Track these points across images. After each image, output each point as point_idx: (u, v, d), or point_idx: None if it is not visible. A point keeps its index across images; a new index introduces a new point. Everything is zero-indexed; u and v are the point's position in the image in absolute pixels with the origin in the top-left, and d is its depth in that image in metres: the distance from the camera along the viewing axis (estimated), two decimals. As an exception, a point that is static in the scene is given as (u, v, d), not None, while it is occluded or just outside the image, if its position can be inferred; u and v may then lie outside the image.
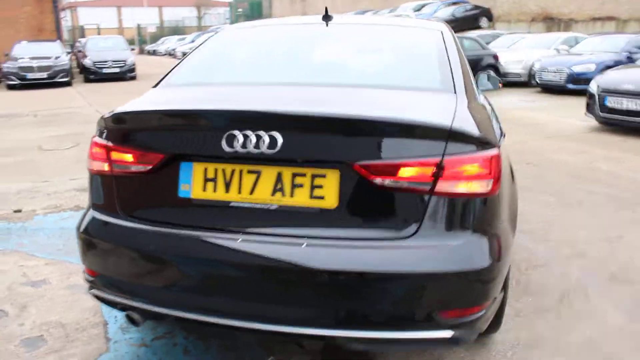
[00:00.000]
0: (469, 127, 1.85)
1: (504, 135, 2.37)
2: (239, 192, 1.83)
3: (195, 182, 1.88)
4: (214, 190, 1.86)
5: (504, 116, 9.83)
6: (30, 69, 15.50)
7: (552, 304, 2.90)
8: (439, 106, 2.00)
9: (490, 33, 18.01)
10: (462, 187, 1.79)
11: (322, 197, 1.79)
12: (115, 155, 1.99)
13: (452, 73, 2.27)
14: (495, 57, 12.89)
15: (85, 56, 17.78)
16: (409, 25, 2.87)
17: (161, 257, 1.88)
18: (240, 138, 1.78)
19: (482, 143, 1.84)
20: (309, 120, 1.82)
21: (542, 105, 10.67)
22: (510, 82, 12.93)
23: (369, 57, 2.64)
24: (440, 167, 1.75)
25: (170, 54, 34.41)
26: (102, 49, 18.30)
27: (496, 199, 1.90)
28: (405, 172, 1.75)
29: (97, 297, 2.09)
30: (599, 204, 4.54)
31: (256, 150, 1.77)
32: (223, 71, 2.56)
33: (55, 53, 16.51)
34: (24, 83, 15.48)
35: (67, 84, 16.15)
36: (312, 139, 1.80)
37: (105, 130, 2.04)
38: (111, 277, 2.00)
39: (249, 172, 1.83)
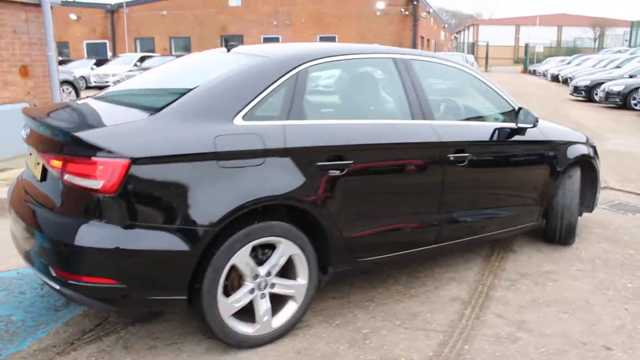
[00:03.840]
0: (92, 136, 2.31)
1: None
2: (34, 165, 2.78)
3: (30, 157, 2.91)
4: (32, 163, 2.84)
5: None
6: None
7: None
8: (110, 120, 2.50)
9: None
10: (78, 181, 2.29)
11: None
12: None
13: (188, 96, 2.56)
14: None
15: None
16: (253, 54, 2.98)
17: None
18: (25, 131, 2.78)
19: (99, 150, 2.25)
20: (36, 123, 2.63)
21: None
22: None
23: (179, 81, 3.03)
24: (65, 163, 2.31)
25: (544, 74, 32.91)
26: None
27: (113, 196, 2.26)
28: (52, 163, 2.39)
29: None
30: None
31: (24, 139, 2.72)
32: (116, 89, 3.34)
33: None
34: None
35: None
36: (38, 134, 2.61)
37: None
38: None
39: (38, 153, 2.75)
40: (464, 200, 3.42)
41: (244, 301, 2.61)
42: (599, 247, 4.21)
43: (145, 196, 2.34)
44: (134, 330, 2.86)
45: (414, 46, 24.57)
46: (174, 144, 2.40)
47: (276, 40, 27.87)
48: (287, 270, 2.76)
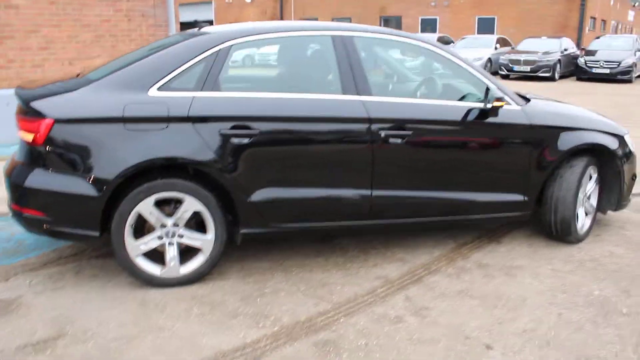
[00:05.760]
0: (35, 103, 2.86)
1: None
2: None
3: None
4: None
5: None
6: (517, 62, 17.13)
7: None
8: (60, 89, 3.00)
9: None
10: (23, 135, 2.92)
11: None
12: None
13: (121, 70, 2.99)
14: None
15: (584, 55, 17.61)
16: (193, 33, 3.24)
17: None
18: None
19: (35, 112, 2.83)
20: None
21: None
22: None
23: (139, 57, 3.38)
24: (19, 121, 2.92)
25: None
26: (607, 48, 17.50)
27: (40, 147, 2.83)
28: (17, 121, 3.01)
29: None
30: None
31: None
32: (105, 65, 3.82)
33: (551, 49, 17.33)
34: (511, 74, 17.36)
35: (550, 79, 16.82)
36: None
37: None
38: None
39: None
40: (408, 178, 3.32)
41: (151, 245, 3.01)
42: (606, 250, 3.68)
43: (64, 148, 2.86)
44: (93, 262, 3.45)
45: (581, 28, 21.83)
46: (91, 109, 2.87)
47: (434, 21, 27.16)
48: (202, 225, 3.09)
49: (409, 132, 3.20)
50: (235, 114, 2.98)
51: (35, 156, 2.92)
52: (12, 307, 2.91)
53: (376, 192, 3.26)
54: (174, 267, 3.06)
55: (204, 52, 3.04)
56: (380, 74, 3.54)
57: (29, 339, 2.60)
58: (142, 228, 3.05)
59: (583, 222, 3.81)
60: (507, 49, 19.61)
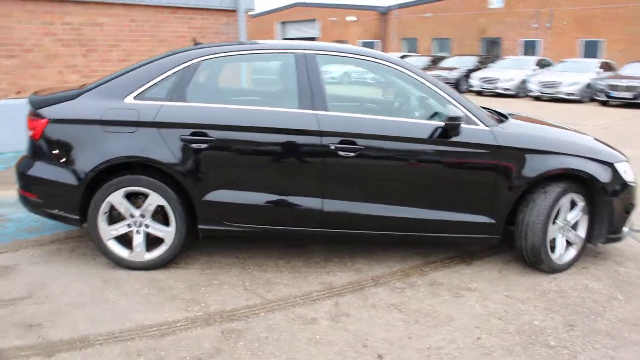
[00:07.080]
0: (39, 106, 3.39)
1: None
2: None
3: None
4: None
5: None
6: (616, 88, 15.83)
7: None
8: (63, 96, 3.48)
9: None
10: (29, 133, 3.46)
11: None
12: None
13: (111, 80, 3.44)
14: None
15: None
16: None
17: None
18: None
19: (37, 114, 3.38)
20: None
21: None
22: None
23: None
24: (27, 121, 3.49)
25: None
26: None
27: (37, 142, 3.37)
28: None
29: None
30: None
31: None
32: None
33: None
34: (610, 100, 16.08)
35: (653, 106, 15.36)
36: None
37: None
38: None
39: None
40: (361, 191, 3.41)
41: (121, 231, 3.44)
42: (581, 283, 3.48)
43: (54, 144, 3.40)
44: (90, 244, 3.96)
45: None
46: (77, 112, 3.38)
47: (535, 44, 25.90)
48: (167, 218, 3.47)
49: (361, 147, 3.33)
50: (194, 121, 3.32)
51: (35, 150, 3.47)
52: (7, 271, 3.47)
53: (328, 202, 3.41)
54: (139, 253, 3.46)
55: (176, 66, 3.44)
56: (346, 90, 3.69)
57: (3, 296, 3.12)
58: (118, 216, 3.50)
59: (562, 251, 3.64)
60: (611, 73, 18.19)
